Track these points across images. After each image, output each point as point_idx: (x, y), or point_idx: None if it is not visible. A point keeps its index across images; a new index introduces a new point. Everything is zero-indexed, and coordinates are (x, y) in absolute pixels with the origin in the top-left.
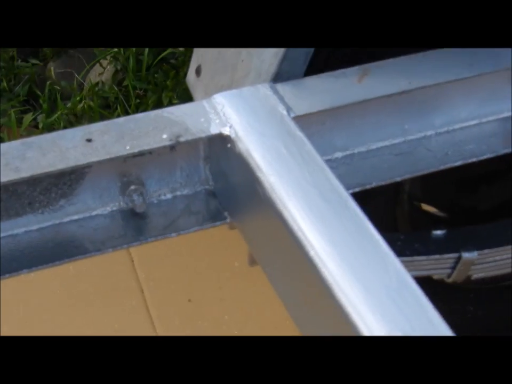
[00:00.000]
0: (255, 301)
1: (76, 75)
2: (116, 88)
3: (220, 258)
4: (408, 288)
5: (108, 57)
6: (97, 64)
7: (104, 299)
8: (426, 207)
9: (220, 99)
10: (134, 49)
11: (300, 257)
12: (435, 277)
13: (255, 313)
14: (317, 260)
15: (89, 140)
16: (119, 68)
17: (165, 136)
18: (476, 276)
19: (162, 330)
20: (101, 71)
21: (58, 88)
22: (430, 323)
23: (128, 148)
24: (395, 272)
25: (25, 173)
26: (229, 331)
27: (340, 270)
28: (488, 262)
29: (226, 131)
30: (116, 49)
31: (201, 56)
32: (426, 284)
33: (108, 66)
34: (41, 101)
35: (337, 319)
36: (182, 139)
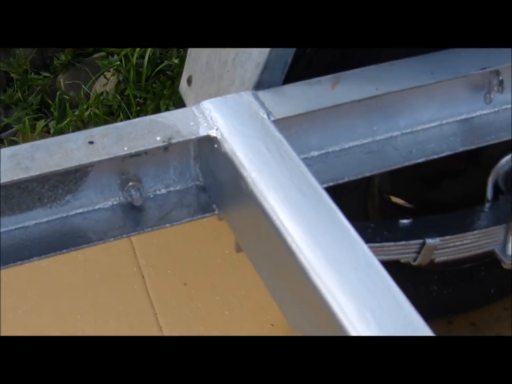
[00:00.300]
0: (243, 284)
1: (83, 86)
2: (118, 97)
3: (212, 247)
4: (375, 270)
5: (111, 69)
6: (102, 76)
7: (109, 283)
8: (395, 199)
9: (207, 105)
10: (134, 62)
11: (278, 244)
12: (402, 260)
13: (243, 295)
14: (293, 246)
15: (91, 142)
16: (121, 79)
17: (158, 138)
18: (438, 259)
19: (160, 311)
20: (105, 82)
21: (67, 97)
22: (394, 299)
23: (126, 148)
24: (363, 256)
25: (34, 172)
26: (220, 311)
27: (314, 254)
28: (449, 247)
29: (213, 133)
30: (118, 62)
31: (192, 67)
32: (395, 267)
33: (111, 78)
34: (52, 109)
35: (312, 297)
36: (173, 141)
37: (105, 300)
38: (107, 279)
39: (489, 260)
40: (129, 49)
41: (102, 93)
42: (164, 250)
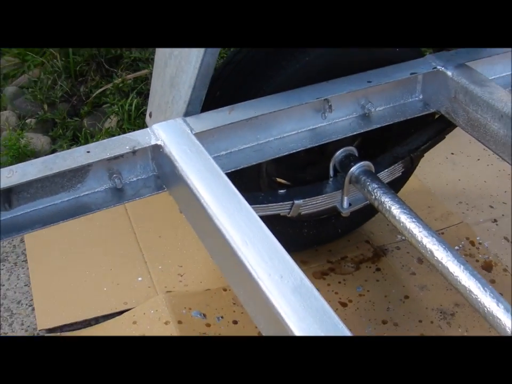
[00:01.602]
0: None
1: (98, 124)
2: (118, 130)
3: (176, 212)
4: (251, 216)
5: (114, 113)
6: (108, 118)
7: (115, 237)
8: (280, 180)
9: (156, 127)
10: (127, 108)
11: (198, 206)
12: (281, 214)
13: (196, 240)
14: (205, 205)
15: (88, 152)
16: (119, 118)
17: (127, 147)
18: (303, 212)
19: (145, 252)
20: (110, 121)
21: (88, 131)
22: (261, 231)
23: (108, 154)
24: (245, 209)
25: (55, 171)
26: (181, 251)
27: (217, 209)
28: (309, 205)
29: (159, 143)
30: (117, 109)
31: (151, 107)
32: (277, 218)
33: (114, 118)
34: (80, 139)
35: (216, 233)
36: (136, 148)
37: (110, 250)
38: (113, 235)
39: (336, 213)
40: (124, 100)
41: (109, 128)
42: (147, 216)
